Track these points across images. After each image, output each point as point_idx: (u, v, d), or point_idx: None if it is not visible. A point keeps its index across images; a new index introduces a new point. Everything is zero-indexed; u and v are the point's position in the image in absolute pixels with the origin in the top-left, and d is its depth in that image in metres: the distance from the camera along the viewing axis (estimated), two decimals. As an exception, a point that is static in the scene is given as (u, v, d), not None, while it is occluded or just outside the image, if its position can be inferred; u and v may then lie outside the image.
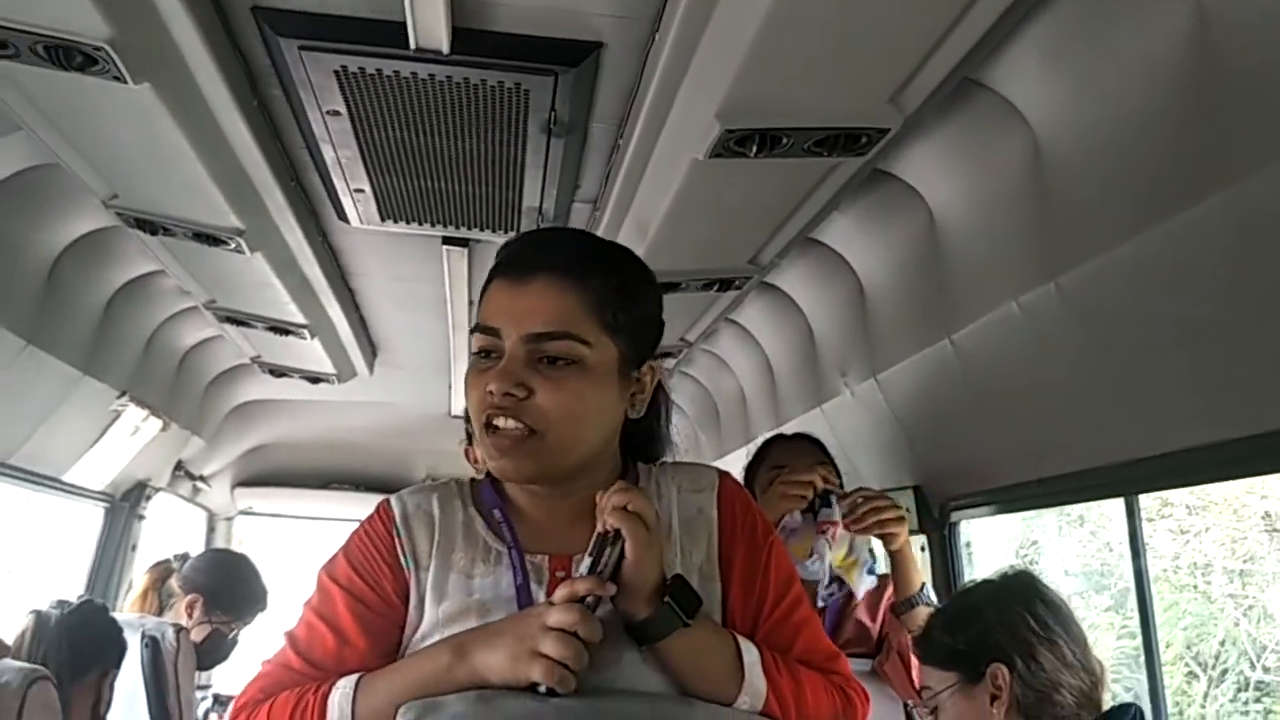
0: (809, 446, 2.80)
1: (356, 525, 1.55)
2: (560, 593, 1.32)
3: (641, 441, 1.60)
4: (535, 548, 1.47)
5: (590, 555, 1.35)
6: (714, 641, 1.41)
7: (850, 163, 2.09)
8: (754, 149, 1.95)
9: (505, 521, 1.49)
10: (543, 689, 1.29)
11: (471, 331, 1.46)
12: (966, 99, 2.01)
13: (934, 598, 2.58)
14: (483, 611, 1.41)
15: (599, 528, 1.36)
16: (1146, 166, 1.69)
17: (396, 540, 1.48)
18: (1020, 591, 2.02)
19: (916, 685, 2.23)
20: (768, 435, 2.94)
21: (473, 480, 1.58)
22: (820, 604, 2.62)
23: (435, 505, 1.52)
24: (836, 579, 2.58)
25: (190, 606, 3.72)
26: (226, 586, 3.83)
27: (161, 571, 2.82)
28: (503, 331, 1.39)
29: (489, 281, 1.46)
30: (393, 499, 1.54)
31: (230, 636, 3.85)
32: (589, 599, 1.32)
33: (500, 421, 1.38)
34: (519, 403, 1.37)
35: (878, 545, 2.64)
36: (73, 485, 3.87)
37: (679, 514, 1.52)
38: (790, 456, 2.74)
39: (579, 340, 1.38)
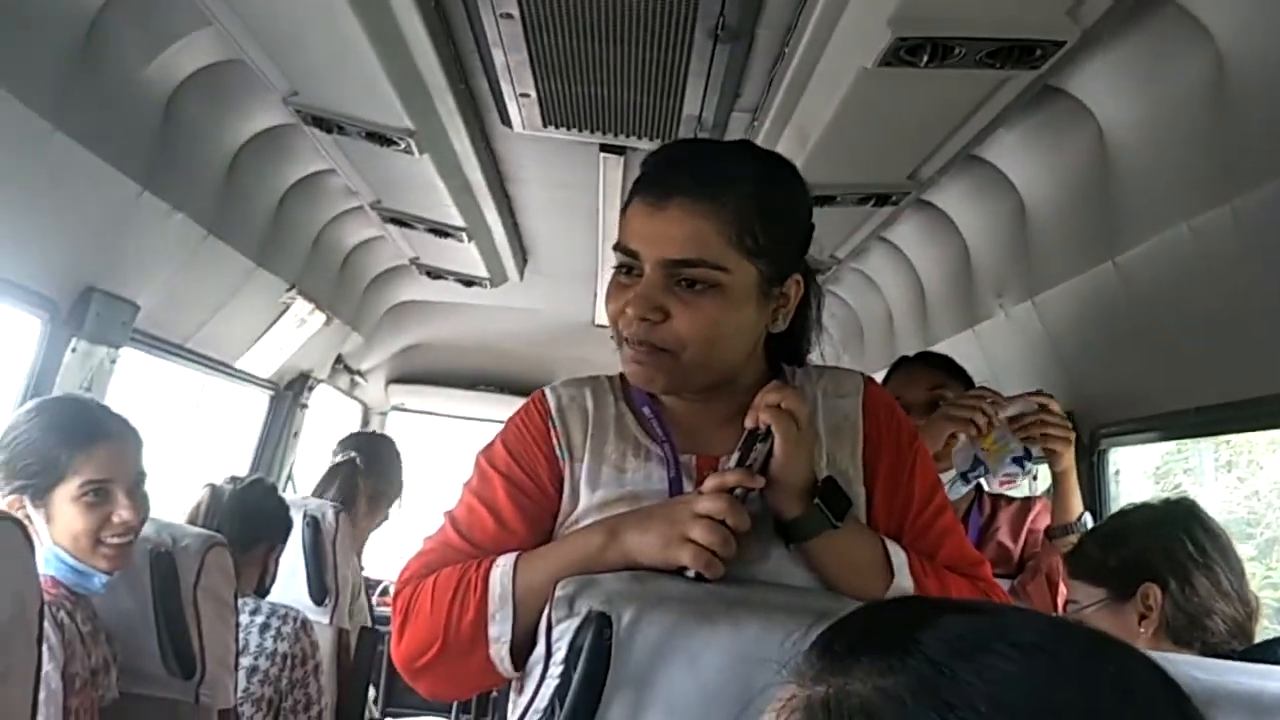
0: (924, 371, 2.75)
1: (502, 424, 1.60)
2: (709, 482, 1.36)
3: (786, 343, 1.59)
4: (684, 447, 1.51)
5: (739, 450, 1.39)
6: (862, 543, 1.44)
7: (1021, 76, 2.05)
8: (925, 59, 1.93)
9: (656, 418, 1.53)
10: (691, 574, 1.33)
11: (614, 248, 1.46)
12: (1147, 12, 1.95)
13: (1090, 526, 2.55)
14: (634, 503, 1.45)
15: (748, 423, 1.39)
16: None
17: (552, 431, 1.53)
18: (1181, 516, 1.98)
19: (1062, 601, 2.20)
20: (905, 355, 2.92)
21: (624, 376, 1.56)
22: (965, 487, 2.62)
23: (589, 398, 1.56)
24: (980, 463, 2.52)
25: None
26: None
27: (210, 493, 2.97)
28: (641, 254, 1.40)
29: (631, 197, 1.46)
30: (548, 390, 1.58)
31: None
32: (738, 490, 1.36)
33: (634, 340, 1.42)
34: (654, 325, 1.39)
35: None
36: (243, 372, 4.08)
37: (824, 418, 1.53)
38: (903, 385, 2.72)
39: (715, 267, 1.38)
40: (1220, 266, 2.03)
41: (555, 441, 1.52)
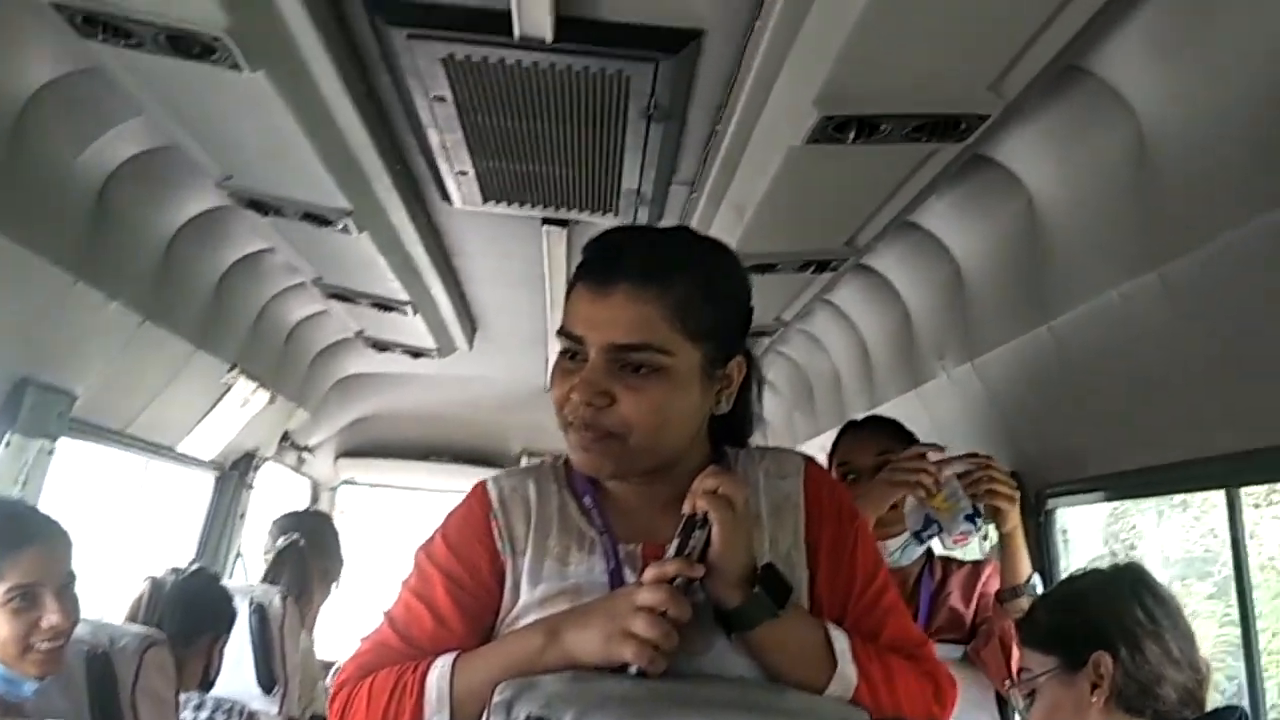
0: (871, 435, 2.76)
1: (454, 497, 1.59)
2: (649, 573, 1.34)
3: (728, 425, 1.59)
4: (629, 536, 1.49)
5: (678, 537, 1.37)
6: (804, 630, 1.42)
7: (949, 148, 2.08)
8: (852, 135, 1.95)
9: (596, 508, 1.52)
10: (634, 670, 1.31)
11: (557, 334, 1.46)
12: (1070, 85, 1.98)
13: (1040, 589, 2.55)
14: (576, 597, 1.43)
15: (686, 509, 1.38)
16: (1254, 156, 1.66)
17: (494, 524, 1.51)
18: (1130, 582, 1.99)
19: (1014, 671, 2.20)
20: (853, 418, 2.93)
21: (567, 461, 1.56)
22: (919, 548, 2.63)
23: (532, 489, 1.54)
24: (933, 521, 2.52)
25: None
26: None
27: (151, 586, 2.91)
28: (586, 340, 1.40)
29: (574, 282, 1.47)
30: (489, 482, 1.57)
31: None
32: (678, 580, 1.34)
33: (580, 425, 1.41)
34: (600, 410, 1.39)
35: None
36: (186, 454, 4.02)
37: (767, 499, 1.53)
38: (851, 451, 2.74)
39: (660, 351, 1.38)
40: (1152, 331, 2.05)
41: (497, 535, 1.50)
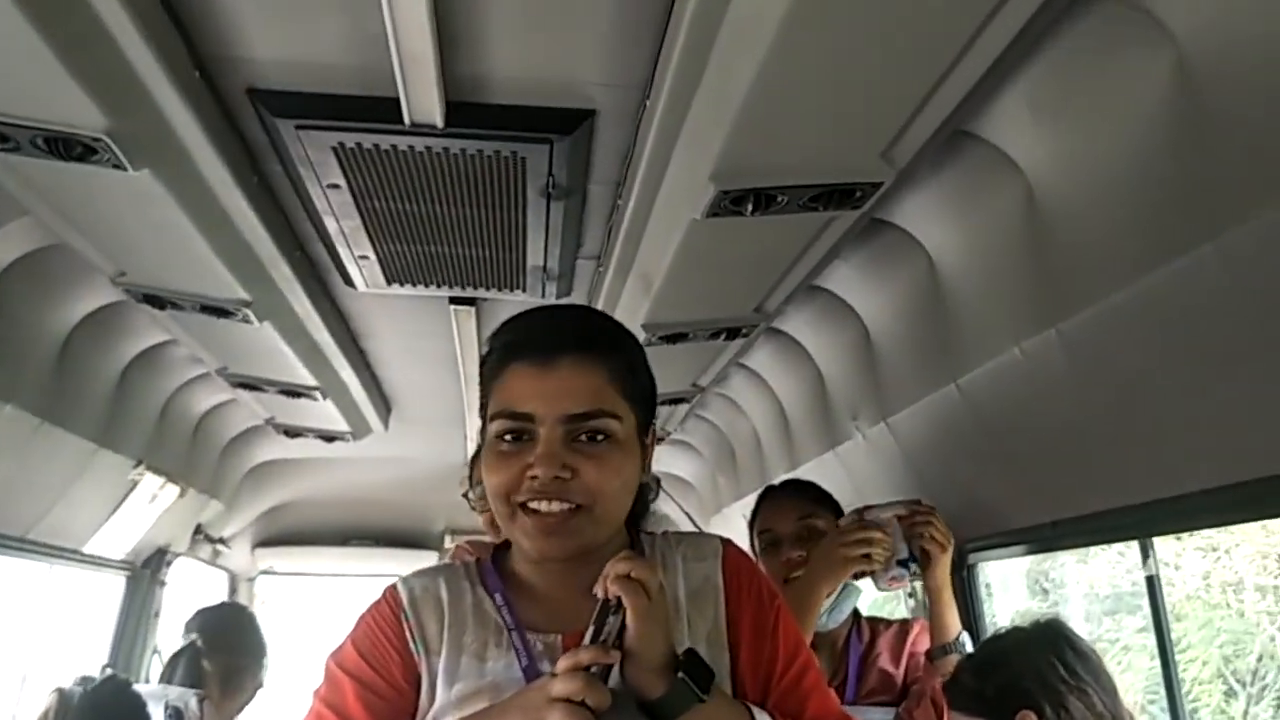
0: (791, 501, 2.76)
1: (378, 581, 1.56)
2: (563, 663, 1.30)
3: (639, 507, 1.57)
4: (549, 626, 1.46)
5: (593, 624, 1.34)
6: (729, 716, 1.39)
7: (846, 215, 2.10)
8: (749, 207, 1.97)
9: (507, 605, 1.49)
10: None
11: (493, 418, 1.43)
12: (959, 149, 2.02)
13: (969, 646, 2.54)
14: (495, 693, 1.40)
15: (598, 592, 1.35)
16: (1140, 212, 1.69)
17: (405, 625, 1.47)
18: (1051, 639, 2.00)
19: None
20: (773, 483, 2.92)
21: (478, 561, 1.56)
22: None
23: (443, 588, 1.51)
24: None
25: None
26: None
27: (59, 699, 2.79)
28: (536, 415, 1.38)
29: (504, 364, 1.44)
30: (399, 583, 1.53)
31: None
32: (594, 668, 1.30)
33: (544, 505, 1.38)
34: (565, 484, 1.37)
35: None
36: (93, 556, 3.88)
37: (685, 584, 1.52)
38: (772, 518, 2.73)
39: (612, 415, 1.40)
40: (1055, 385, 2.08)
41: (409, 636, 1.46)
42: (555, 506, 1.38)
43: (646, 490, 1.59)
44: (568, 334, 1.43)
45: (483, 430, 1.49)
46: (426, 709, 1.44)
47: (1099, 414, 2.01)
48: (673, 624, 1.42)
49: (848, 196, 1.98)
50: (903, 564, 2.50)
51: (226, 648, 3.73)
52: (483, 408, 1.49)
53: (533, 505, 1.39)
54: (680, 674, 1.33)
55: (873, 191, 1.97)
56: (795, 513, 2.71)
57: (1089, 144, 1.78)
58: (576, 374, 1.39)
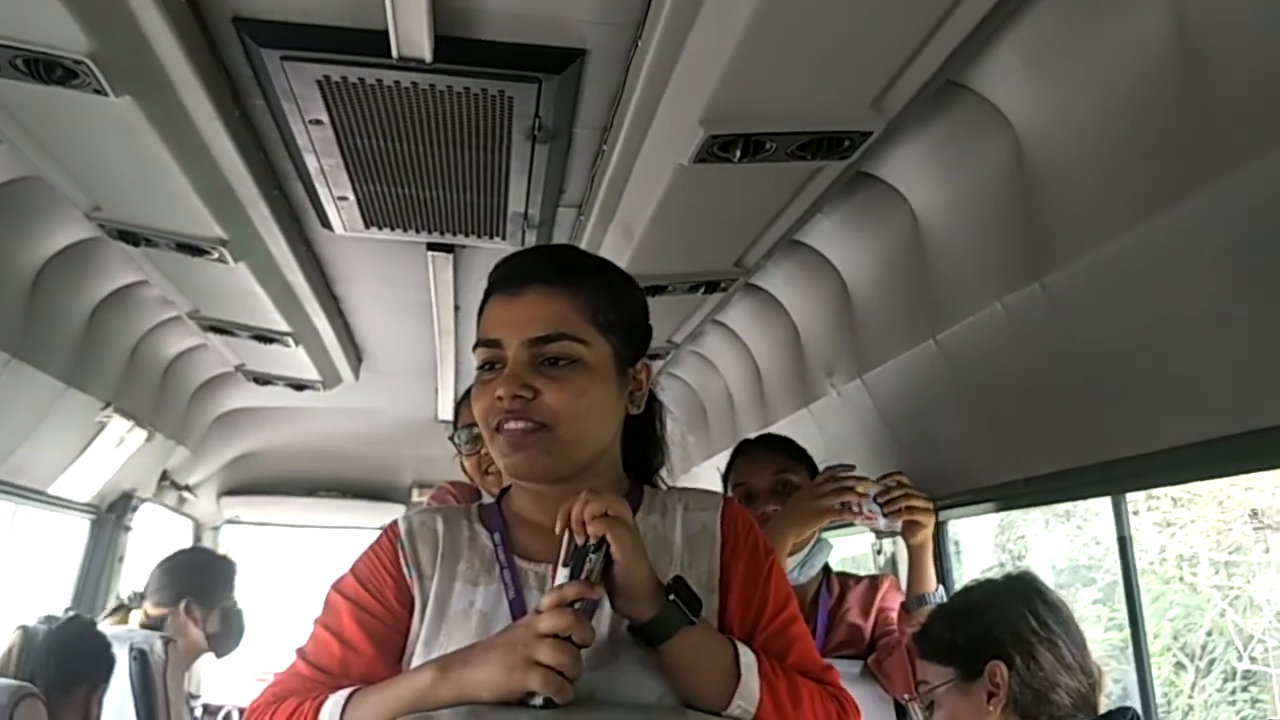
0: (767, 455, 2.79)
1: (344, 533, 1.63)
2: (548, 599, 1.32)
3: (641, 453, 1.67)
4: (543, 556, 1.51)
5: (566, 565, 1.36)
6: (713, 643, 1.43)
7: (833, 166, 2.10)
8: (738, 154, 1.96)
9: (502, 540, 1.54)
10: (539, 700, 1.27)
11: (474, 348, 1.54)
12: (949, 101, 2.02)
13: (945, 600, 2.59)
14: (482, 621, 1.46)
15: (578, 539, 1.37)
16: (1129, 167, 1.70)
17: (401, 553, 1.54)
18: (1022, 591, 2.03)
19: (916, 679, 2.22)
20: (747, 437, 2.93)
21: (481, 504, 1.64)
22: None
23: (440, 523, 1.58)
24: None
25: (188, 614, 3.74)
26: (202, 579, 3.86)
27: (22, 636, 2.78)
28: (504, 341, 1.48)
29: (485, 300, 1.56)
30: (400, 518, 1.62)
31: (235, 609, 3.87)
32: (578, 604, 1.32)
33: (511, 424, 1.46)
34: (527, 404, 1.45)
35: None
36: (58, 497, 3.85)
37: (683, 529, 1.56)
38: (748, 471, 2.76)
39: (575, 340, 1.47)
40: (1035, 341, 2.09)
41: (403, 562, 1.53)
42: (518, 424, 1.46)
43: (648, 433, 1.68)
44: (538, 267, 1.53)
45: None
46: (418, 631, 1.49)
47: (1078, 370, 2.03)
48: (666, 565, 1.49)
49: (836, 146, 1.97)
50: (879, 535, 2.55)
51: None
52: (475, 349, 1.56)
53: (504, 425, 1.47)
54: (671, 596, 1.38)
55: (861, 141, 1.96)
56: (771, 467, 2.73)
57: (1079, 97, 1.78)
58: (540, 301, 1.48)
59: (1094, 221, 1.80)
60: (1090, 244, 1.81)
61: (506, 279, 1.53)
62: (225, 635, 3.88)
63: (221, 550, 5.79)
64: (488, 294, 1.56)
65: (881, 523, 2.56)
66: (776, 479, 2.70)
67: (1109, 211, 1.76)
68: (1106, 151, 1.75)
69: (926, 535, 2.62)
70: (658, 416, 1.71)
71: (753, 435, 2.99)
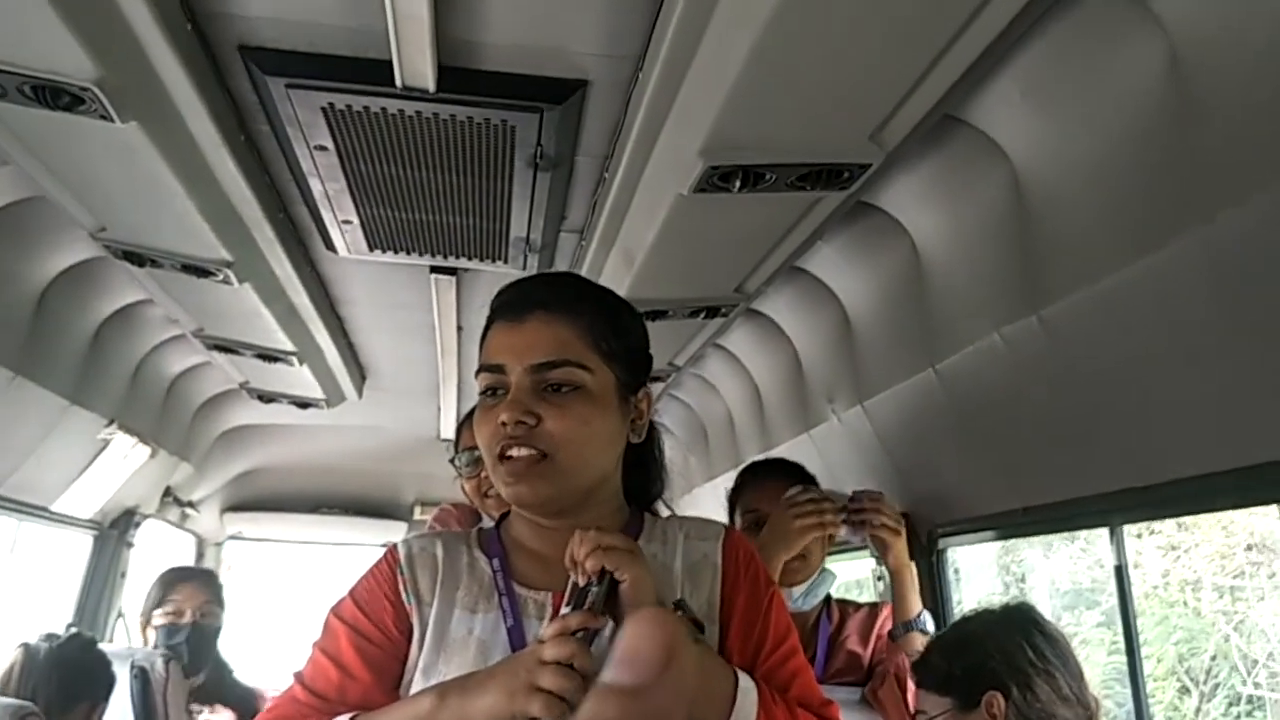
0: (776, 480, 2.74)
1: (346, 550, 1.64)
2: (552, 629, 1.33)
3: (642, 480, 1.67)
4: (542, 584, 1.52)
5: (568, 604, 1.37)
6: (714, 667, 1.43)
7: (833, 196, 2.11)
8: (737, 184, 1.97)
9: (503, 570, 1.55)
10: None
11: (477, 373, 1.54)
12: (947, 134, 2.03)
13: (930, 625, 2.59)
14: (480, 649, 1.46)
15: (580, 580, 1.38)
16: (1126, 201, 1.71)
17: (400, 579, 1.54)
18: (1020, 622, 2.03)
19: (912, 710, 2.22)
20: (749, 462, 2.92)
21: (480, 529, 1.65)
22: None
23: (439, 548, 1.58)
24: None
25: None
26: None
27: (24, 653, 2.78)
28: (507, 367, 1.48)
29: (488, 326, 1.56)
30: (399, 542, 1.61)
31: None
32: (580, 634, 1.33)
33: (514, 451, 1.45)
34: (530, 430, 1.44)
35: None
36: (61, 514, 3.86)
37: (683, 558, 1.56)
38: (759, 499, 2.72)
39: (579, 366, 1.47)
40: (1034, 372, 2.10)
41: (403, 589, 1.53)
42: (521, 452, 1.45)
43: (649, 461, 1.68)
44: (541, 293, 1.53)
45: None
46: (416, 658, 1.49)
47: (1076, 402, 2.04)
48: (667, 594, 1.48)
49: (835, 177, 1.98)
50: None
51: None
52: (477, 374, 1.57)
53: (507, 451, 1.46)
54: (678, 613, 1.39)
55: (860, 173, 1.98)
56: (780, 492, 2.71)
57: (1077, 132, 1.80)
58: (543, 327, 1.49)
59: (1091, 254, 1.82)
60: (1088, 276, 1.82)
61: (510, 305, 1.53)
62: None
63: (224, 566, 5.80)
64: (491, 320, 1.56)
65: (855, 537, 2.58)
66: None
67: (1106, 244, 1.77)
68: (1103, 185, 1.76)
69: (902, 559, 2.62)
70: (657, 444, 1.70)
71: (758, 458, 2.98)
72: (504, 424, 1.45)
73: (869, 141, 1.88)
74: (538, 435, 1.45)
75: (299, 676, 1.50)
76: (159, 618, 3.69)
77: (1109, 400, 1.96)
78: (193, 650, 3.58)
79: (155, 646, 3.57)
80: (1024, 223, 1.98)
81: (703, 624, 1.42)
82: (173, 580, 3.80)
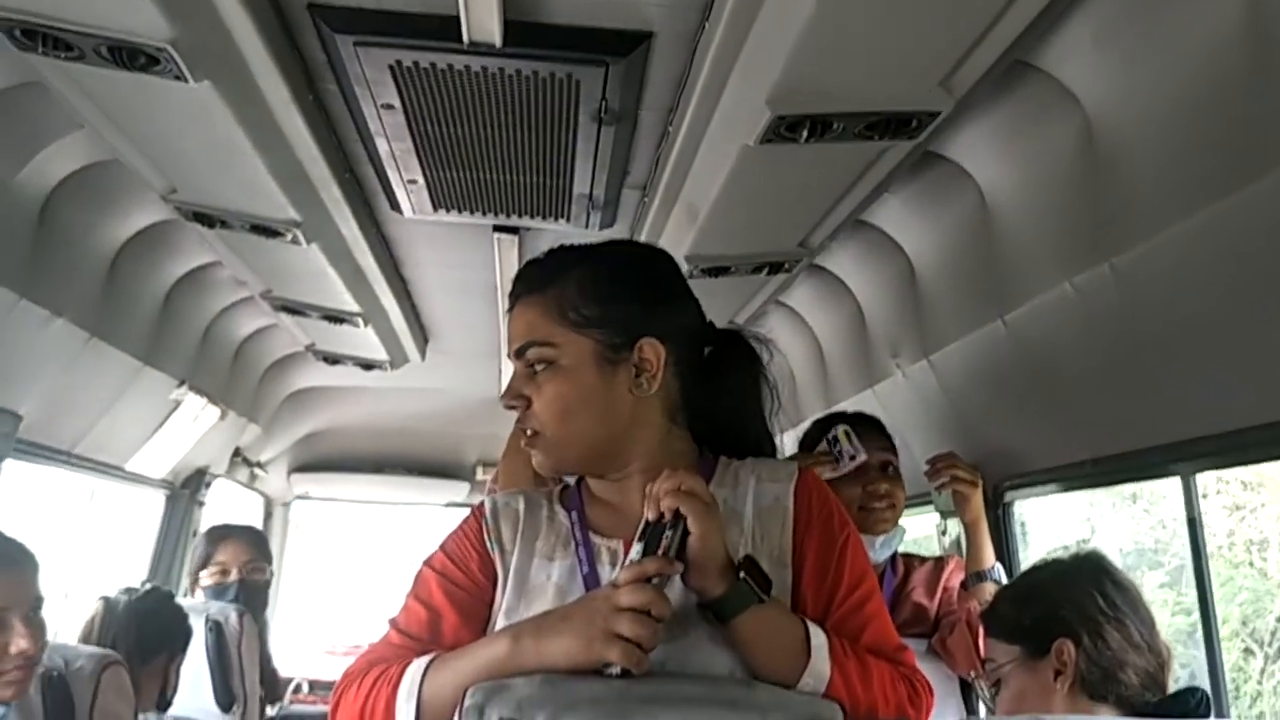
0: (875, 437, 2.74)
1: (410, 510, 1.73)
2: (627, 574, 1.36)
3: (713, 426, 1.67)
4: (615, 532, 1.56)
5: (639, 541, 1.40)
6: (783, 622, 1.44)
7: (900, 146, 2.09)
8: (804, 134, 1.96)
9: (580, 522, 1.60)
10: (616, 670, 1.31)
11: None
12: (1018, 81, 2.01)
13: (1003, 576, 2.60)
14: (558, 593, 1.51)
15: (650, 515, 1.41)
16: (1200, 147, 1.68)
17: (485, 529, 1.62)
18: (1091, 571, 2.00)
19: (981, 657, 2.22)
20: (822, 414, 2.92)
21: (564, 486, 1.71)
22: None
23: (521, 503, 1.65)
24: None
25: None
26: None
27: (104, 606, 2.85)
28: (510, 354, 1.61)
29: None
30: (487, 498, 1.70)
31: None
32: (655, 580, 1.35)
33: (523, 428, 1.59)
34: (525, 412, 1.57)
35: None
36: (135, 473, 3.95)
37: (754, 502, 1.57)
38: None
39: (544, 344, 1.55)
40: (1105, 321, 2.08)
41: (487, 538, 1.61)
42: (524, 429, 1.59)
43: (718, 407, 1.66)
44: (521, 281, 1.63)
45: None
46: (500, 602, 1.56)
47: (1147, 350, 2.01)
48: (737, 539, 1.50)
49: (904, 126, 1.96)
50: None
51: None
52: None
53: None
54: (742, 574, 1.40)
55: (929, 121, 1.96)
56: (877, 445, 2.71)
57: (1150, 77, 1.76)
58: (519, 314, 1.59)
59: (1165, 201, 1.79)
60: (1161, 223, 1.80)
61: (510, 297, 1.64)
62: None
63: (292, 526, 5.92)
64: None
65: (845, 464, 2.61)
66: (882, 459, 2.69)
67: (1180, 191, 1.74)
68: (1178, 131, 1.73)
69: (978, 511, 2.65)
70: (732, 390, 1.68)
71: (820, 415, 2.97)
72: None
73: (938, 88, 1.86)
74: (529, 416, 1.56)
75: (393, 622, 1.57)
76: (206, 577, 3.77)
77: (1181, 348, 1.94)
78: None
79: None
80: (1096, 170, 1.95)
81: (770, 581, 1.42)
82: (217, 538, 3.87)
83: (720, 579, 1.39)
